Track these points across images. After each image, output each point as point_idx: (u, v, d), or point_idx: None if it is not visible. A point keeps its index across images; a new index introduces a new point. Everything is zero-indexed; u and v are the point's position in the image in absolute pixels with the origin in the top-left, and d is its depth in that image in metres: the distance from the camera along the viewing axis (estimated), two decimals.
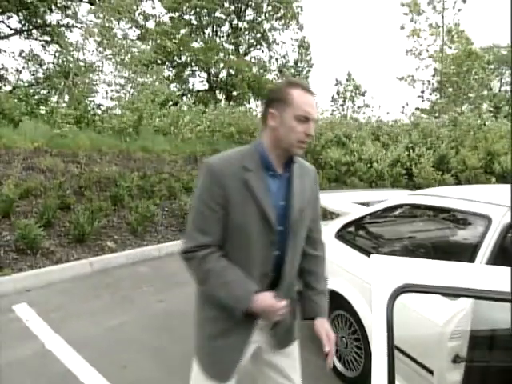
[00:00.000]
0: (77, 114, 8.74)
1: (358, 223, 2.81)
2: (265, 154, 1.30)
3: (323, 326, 1.38)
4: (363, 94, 25.08)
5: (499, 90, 27.36)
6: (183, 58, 21.66)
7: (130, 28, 17.59)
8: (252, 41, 22.75)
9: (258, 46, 22.83)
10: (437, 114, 11.60)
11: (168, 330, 3.24)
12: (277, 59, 22.59)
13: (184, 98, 21.69)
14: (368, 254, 2.56)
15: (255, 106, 21.18)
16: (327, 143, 9.65)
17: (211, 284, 1.28)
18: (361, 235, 2.81)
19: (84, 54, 10.20)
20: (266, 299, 1.25)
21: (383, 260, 0.88)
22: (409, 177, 8.52)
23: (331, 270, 2.75)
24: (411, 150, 8.92)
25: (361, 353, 2.46)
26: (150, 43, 16.26)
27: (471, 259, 1.85)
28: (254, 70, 20.84)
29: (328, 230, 3.03)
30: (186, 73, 22.35)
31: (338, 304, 2.64)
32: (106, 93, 10.57)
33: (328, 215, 7.61)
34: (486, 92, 23.03)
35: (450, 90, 20.12)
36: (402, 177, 8.55)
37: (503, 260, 1.68)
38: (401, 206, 2.52)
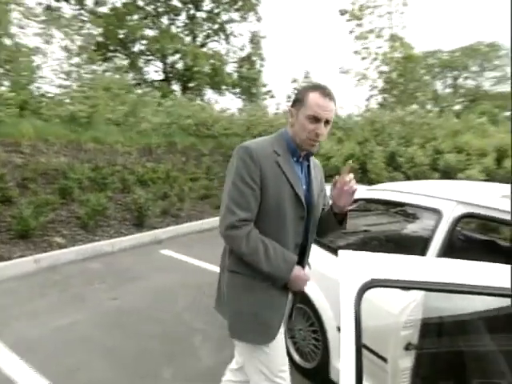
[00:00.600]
0: (20, 98, 8.11)
1: None
2: (290, 142, 1.47)
3: None
4: None
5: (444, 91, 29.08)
6: (138, 47, 20.87)
7: (80, 10, 16.64)
8: (209, 32, 22.37)
9: (216, 38, 22.50)
10: (387, 113, 12.10)
11: (121, 328, 3.11)
12: (234, 51, 22.37)
13: (139, 87, 20.97)
14: (326, 247, 2.60)
15: (213, 99, 20.90)
16: None
17: (257, 259, 1.39)
18: None
19: (26, 34, 9.47)
20: (300, 271, 1.46)
21: (351, 255, 0.88)
22: (363, 172, 8.83)
23: None
24: (364, 146, 9.24)
25: (318, 344, 2.50)
26: (99, 29, 15.49)
27: (423, 252, 1.93)
28: (212, 61, 20.52)
29: None
30: (141, 62, 21.56)
31: (298, 297, 2.67)
32: (54, 79, 9.93)
33: None
34: (430, 93, 24.41)
35: (395, 92, 21.05)
36: (356, 172, 8.86)
37: (452, 252, 1.76)
38: (358, 200, 2.58)
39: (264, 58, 22.86)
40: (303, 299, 2.59)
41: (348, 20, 22.16)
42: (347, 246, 2.57)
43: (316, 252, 2.61)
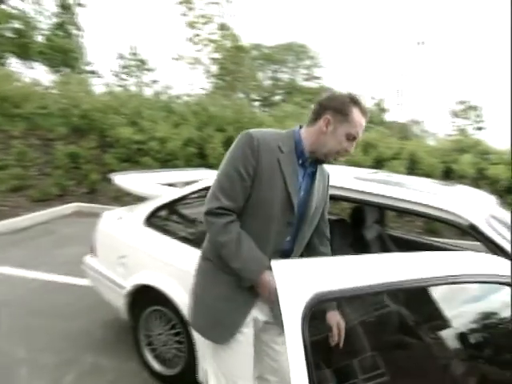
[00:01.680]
0: None
1: (171, 207, 2.56)
2: (300, 143, 1.38)
3: (335, 317, 1.45)
4: (150, 70, 24.34)
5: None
6: None
7: None
8: None
9: None
10: (222, 99, 12.39)
11: None
12: (49, 17, 18.99)
13: None
14: (185, 240, 2.35)
15: (20, 70, 17.33)
16: (116, 121, 8.83)
17: (228, 252, 1.32)
18: (175, 220, 2.58)
19: None
20: (272, 279, 1.28)
21: (286, 268, 0.68)
22: (202, 157, 8.78)
23: (143, 262, 2.44)
24: (202, 131, 9.20)
25: (182, 347, 2.27)
26: None
27: None
28: (17, 25, 16.92)
29: (135, 217, 2.66)
30: None
31: (153, 299, 2.35)
32: None
33: (123, 198, 7.03)
34: (254, 83, 26.38)
35: (228, 78, 21.93)
36: (195, 156, 8.75)
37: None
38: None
39: (82, 29, 20.22)
40: (161, 300, 2.30)
41: (180, 2, 21.59)
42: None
43: (175, 246, 2.34)
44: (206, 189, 2.40)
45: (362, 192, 1.88)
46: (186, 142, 8.87)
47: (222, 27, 20.20)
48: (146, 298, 2.41)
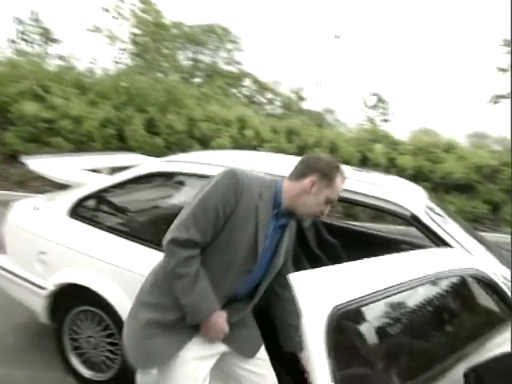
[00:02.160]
0: None
1: (101, 196, 2.29)
2: (280, 194, 1.37)
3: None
4: (56, 41, 21.85)
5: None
6: None
7: None
8: None
9: None
10: (143, 77, 11.63)
11: None
12: None
13: None
14: (118, 232, 2.14)
15: None
16: (21, 94, 7.76)
17: (182, 286, 1.29)
18: (106, 211, 2.32)
19: None
20: (219, 320, 1.34)
21: (305, 281, 0.60)
22: (121, 139, 8.19)
23: (68, 259, 2.17)
24: (120, 111, 8.56)
25: (115, 349, 2.08)
26: None
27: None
28: None
29: (56, 207, 2.35)
30: None
31: (81, 299, 2.12)
32: None
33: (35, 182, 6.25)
34: (174, 62, 25.35)
35: (148, 57, 20.71)
36: (113, 138, 8.12)
37: None
38: (154, 174, 2.22)
39: None
40: (90, 300, 2.08)
41: None
42: (148, 228, 2.20)
43: (106, 240, 2.12)
44: (144, 177, 2.22)
45: None
46: (103, 122, 8.17)
47: (144, 1, 18.94)
48: (72, 298, 2.15)
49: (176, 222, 1.34)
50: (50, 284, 2.15)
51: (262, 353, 1.52)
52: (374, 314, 1.23)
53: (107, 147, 7.79)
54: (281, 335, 1.54)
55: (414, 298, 1.24)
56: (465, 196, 8.11)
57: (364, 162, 8.43)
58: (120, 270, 2.00)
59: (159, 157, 2.50)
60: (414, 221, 1.69)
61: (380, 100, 25.95)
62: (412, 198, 1.90)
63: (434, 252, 0.97)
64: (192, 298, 1.29)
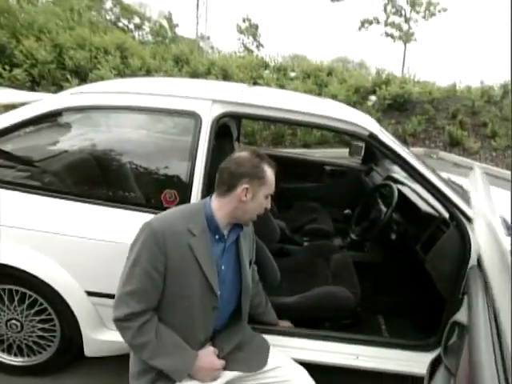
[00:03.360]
0: None
1: None
2: (213, 218, 1.28)
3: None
4: None
5: None
6: None
7: None
8: None
9: None
10: None
11: None
12: None
13: None
14: (26, 188, 1.68)
15: None
16: None
17: (149, 353, 1.21)
18: (2, 163, 1.79)
19: None
20: (207, 360, 1.28)
21: None
22: None
23: None
24: None
25: (51, 327, 1.75)
26: None
27: (192, 163, 1.60)
28: None
29: None
30: None
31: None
32: None
33: None
34: None
35: None
36: None
37: (218, 158, 1.55)
38: (65, 110, 1.74)
39: None
40: (16, 278, 1.69)
41: None
42: (55, 177, 1.78)
43: (21, 201, 1.67)
44: (51, 115, 1.73)
45: (262, 107, 1.71)
46: None
47: None
48: None
49: (115, 298, 1.22)
50: None
51: (276, 359, 1.41)
52: None
53: None
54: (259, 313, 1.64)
55: None
56: None
57: None
58: (38, 234, 1.62)
59: None
60: (371, 139, 1.68)
61: (252, 26, 25.49)
62: (366, 118, 1.90)
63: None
64: (165, 359, 1.21)
